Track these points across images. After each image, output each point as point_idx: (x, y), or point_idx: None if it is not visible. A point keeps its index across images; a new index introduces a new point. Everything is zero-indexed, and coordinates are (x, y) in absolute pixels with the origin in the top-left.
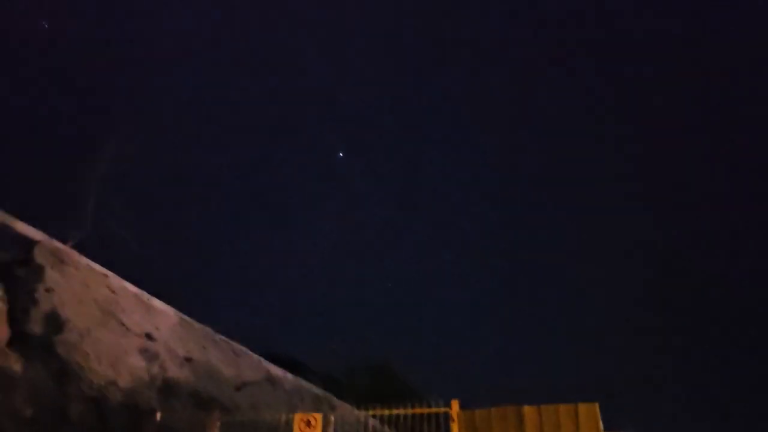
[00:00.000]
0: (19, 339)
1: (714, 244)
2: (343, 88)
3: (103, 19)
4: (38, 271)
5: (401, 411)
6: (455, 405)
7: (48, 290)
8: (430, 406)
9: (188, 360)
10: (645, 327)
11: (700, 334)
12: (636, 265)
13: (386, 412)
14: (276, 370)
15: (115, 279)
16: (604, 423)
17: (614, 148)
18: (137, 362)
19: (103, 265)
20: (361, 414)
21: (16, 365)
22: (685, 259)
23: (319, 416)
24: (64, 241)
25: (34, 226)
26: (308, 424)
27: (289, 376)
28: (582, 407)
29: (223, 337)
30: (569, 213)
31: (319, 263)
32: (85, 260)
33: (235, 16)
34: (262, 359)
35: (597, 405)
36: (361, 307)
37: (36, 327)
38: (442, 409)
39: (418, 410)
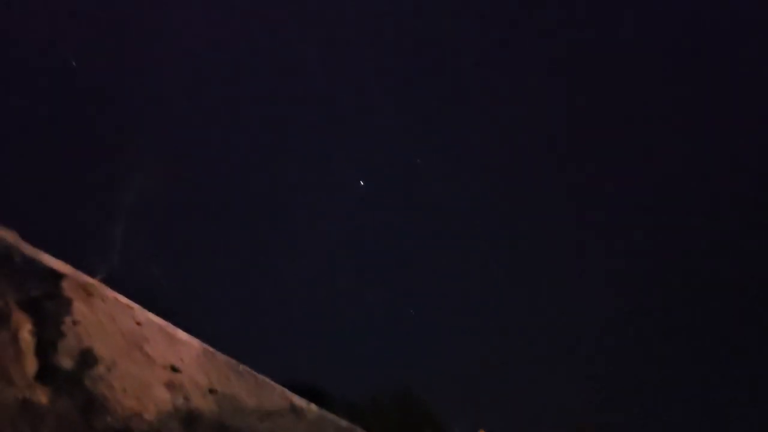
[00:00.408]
0: (46, 372)
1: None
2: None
3: (124, 54)
4: (66, 304)
5: None
6: None
7: (75, 323)
8: None
9: (212, 391)
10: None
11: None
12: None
13: None
14: (299, 401)
15: (140, 311)
16: None
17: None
18: (162, 394)
19: (128, 297)
20: None
21: (43, 398)
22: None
23: None
24: (91, 274)
25: (62, 259)
26: None
27: (313, 406)
28: None
29: (246, 368)
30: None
31: (342, 291)
32: (111, 293)
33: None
34: (285, 389)
35: None
36: (385, 333)
37: (63, 360)
38: None
39: None
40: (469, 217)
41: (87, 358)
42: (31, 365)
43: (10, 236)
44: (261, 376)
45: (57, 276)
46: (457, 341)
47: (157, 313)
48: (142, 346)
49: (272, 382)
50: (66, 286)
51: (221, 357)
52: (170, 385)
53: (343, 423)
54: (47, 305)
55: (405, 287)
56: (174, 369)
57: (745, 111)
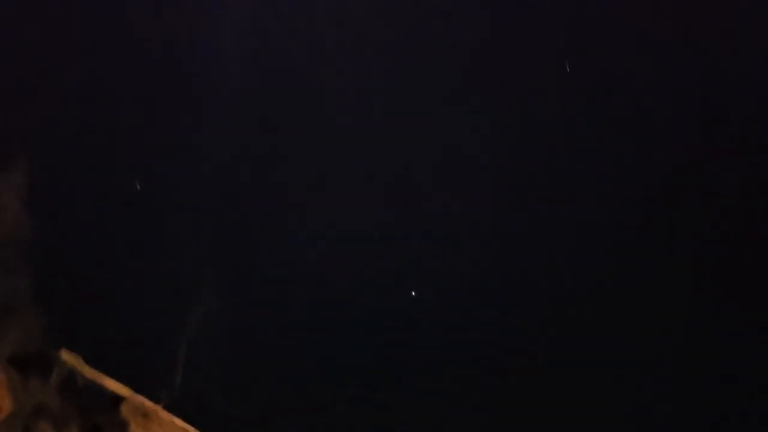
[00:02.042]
0: None
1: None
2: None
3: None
4: (124, 426)
5: None
6: None
7: None
8: None
9: None
10: None
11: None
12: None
13: None
14: None
15: None
16: None
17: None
18: None
19: (188, 420)
20: None
21: None
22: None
23: None
24: (152, 396)
25: (122, 382)
26: None
27: None
28: None
29: None
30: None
31: None
32: (167, 415)
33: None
34: None
35: None
36: None
37: None
38: None
39: None
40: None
41: None
42: None
43: (74, 360)
44: None
45: (116, 399)
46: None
47: None
48: None
49: None
50: (125, 410)
51: None
52: None
53: None
54: (106, 429)
55: None
56: None
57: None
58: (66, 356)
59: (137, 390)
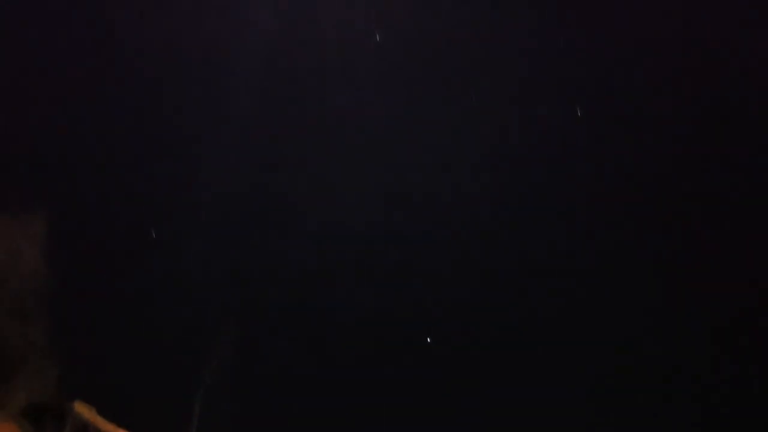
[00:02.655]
0: None
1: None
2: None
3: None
4: None
5: None
6: None
7: None
8: None
9: None
10: None
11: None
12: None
13: None
14: None
15: None
16: None
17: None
18: None
19: None
20: None
21: None
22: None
23: None
24: None
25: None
26: None
27: None
28: None
29: None
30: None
31: None
32: None
33: None
34: None
35: None
36: None
37: None
38: None
39: None
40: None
41: None
42: None
43: (88, 412)
44: None
45: None
46: None
47: None
48: None
49: None
50: None
51: None
52: None
53: None
54: None
55: None
56: None
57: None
58: (79, 408)
59: None
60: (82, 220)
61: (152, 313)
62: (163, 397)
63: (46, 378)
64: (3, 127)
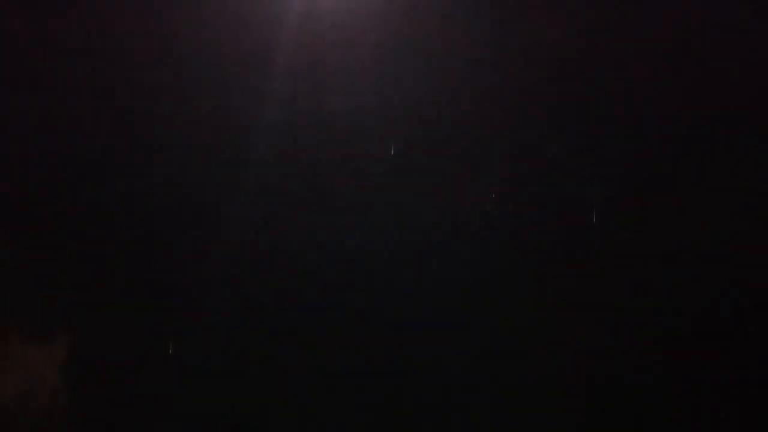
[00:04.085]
0: None
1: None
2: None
3: None
4: None
5: None
6: None
7: None
8: None
9: None
10: None
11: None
12: None
13: None
14: None
15: None
16: None
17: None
18: None
19: None
20: None
21: None
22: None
23: None
24: None
25: None
26: None
27: None
28: None
29: None
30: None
31: None
32: None
33: None
34: None
35: None
36: None
37: None
38: None
39: None
40: None
41: None
42: None
43: None
44: None
45: None
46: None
47: None
48: None
49: None
50: None
51: None
52: None
53: None
54: None
55: None
56: None
57: None
58: None
59: None
60: (102, 346)
61: None
62: None
63: None
64: None
